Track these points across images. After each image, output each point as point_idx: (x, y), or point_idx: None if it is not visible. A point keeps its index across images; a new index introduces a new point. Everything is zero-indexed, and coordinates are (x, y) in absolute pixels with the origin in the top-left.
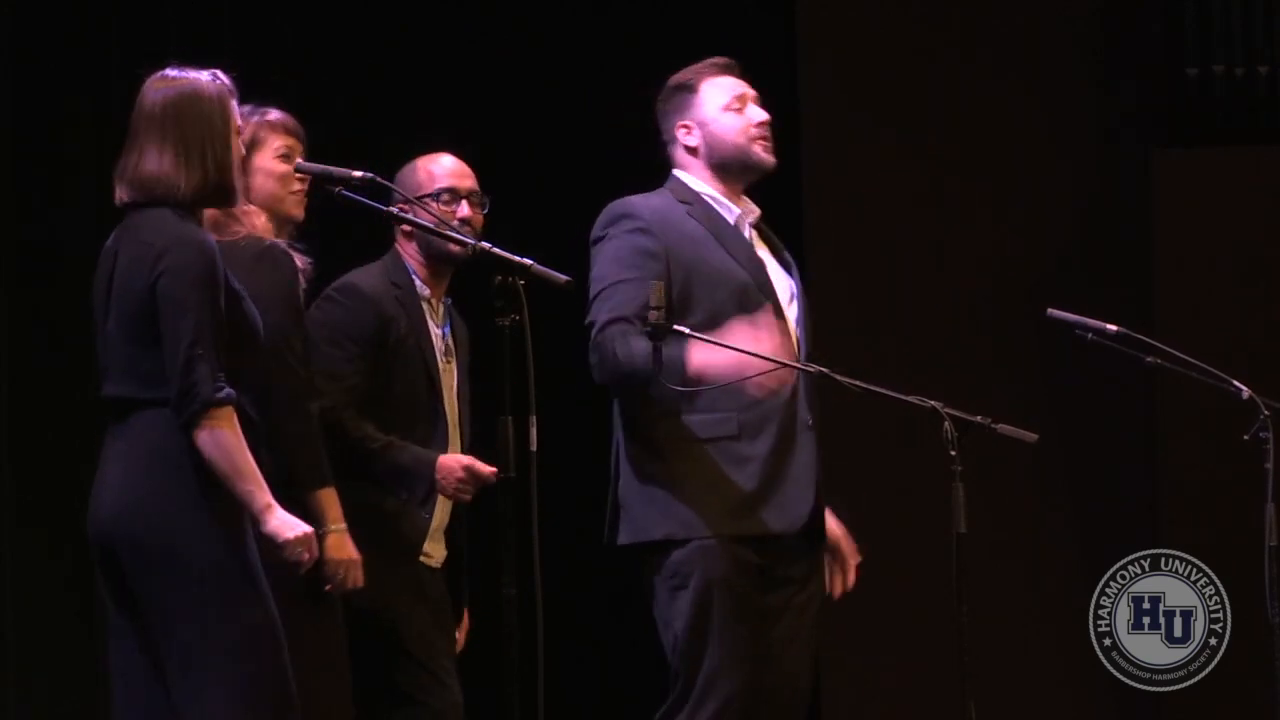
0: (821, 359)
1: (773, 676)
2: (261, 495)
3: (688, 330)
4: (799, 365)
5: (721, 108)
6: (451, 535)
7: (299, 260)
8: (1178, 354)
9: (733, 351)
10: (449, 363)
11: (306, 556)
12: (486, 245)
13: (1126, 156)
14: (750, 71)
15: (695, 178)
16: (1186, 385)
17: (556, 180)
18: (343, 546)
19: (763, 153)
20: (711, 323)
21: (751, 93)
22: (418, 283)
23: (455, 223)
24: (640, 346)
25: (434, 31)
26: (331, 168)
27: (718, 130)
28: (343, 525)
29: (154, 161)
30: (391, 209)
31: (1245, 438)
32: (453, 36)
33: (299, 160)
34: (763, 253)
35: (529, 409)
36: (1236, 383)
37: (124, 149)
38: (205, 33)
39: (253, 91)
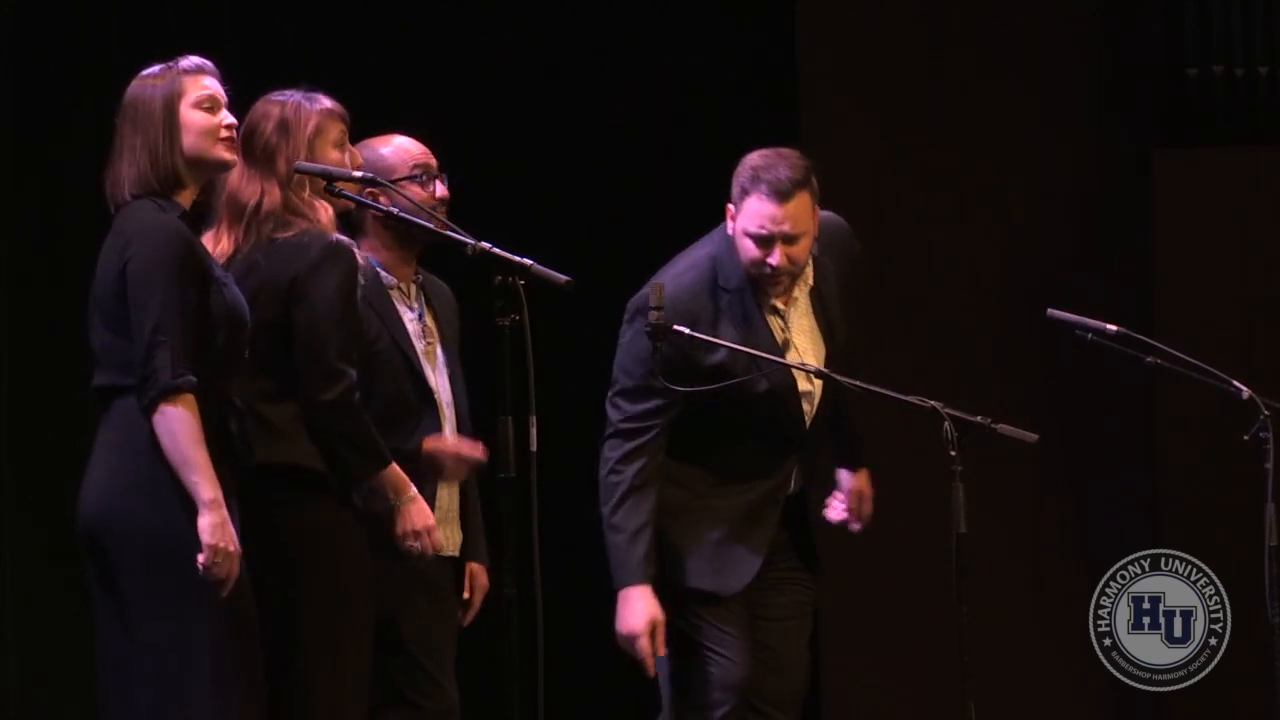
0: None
1: (770, 676)
2: (206, 489)
3: (688, 330)
4: (799, 365)
5: (745, 232)
6: (465, 519)
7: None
8: (1178, 354)
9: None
10: (430, 344)
11: (223, 573)
12: (487, 245)
13: (1126, 156)
14: (750, 71)
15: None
16: (1186, 385)
17: (557, 180)
18: (417, 515)
19: (766, 288)
20: (730, 423)
21: (782, 229)
22: (383, 274)
23: (435, 202)
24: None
25: (434, 31)
26: (330, 167)
27: (739, 246)
28: (413, 493)
29: (118, 159)
30: (391, 209)
31: (1245, 438)
32: (452, 36)
33: (299, 161)
34: (804, 321)
35: (529, 409)
36: (1236, 383)
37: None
38: (205, 33)
39: (252, 91)
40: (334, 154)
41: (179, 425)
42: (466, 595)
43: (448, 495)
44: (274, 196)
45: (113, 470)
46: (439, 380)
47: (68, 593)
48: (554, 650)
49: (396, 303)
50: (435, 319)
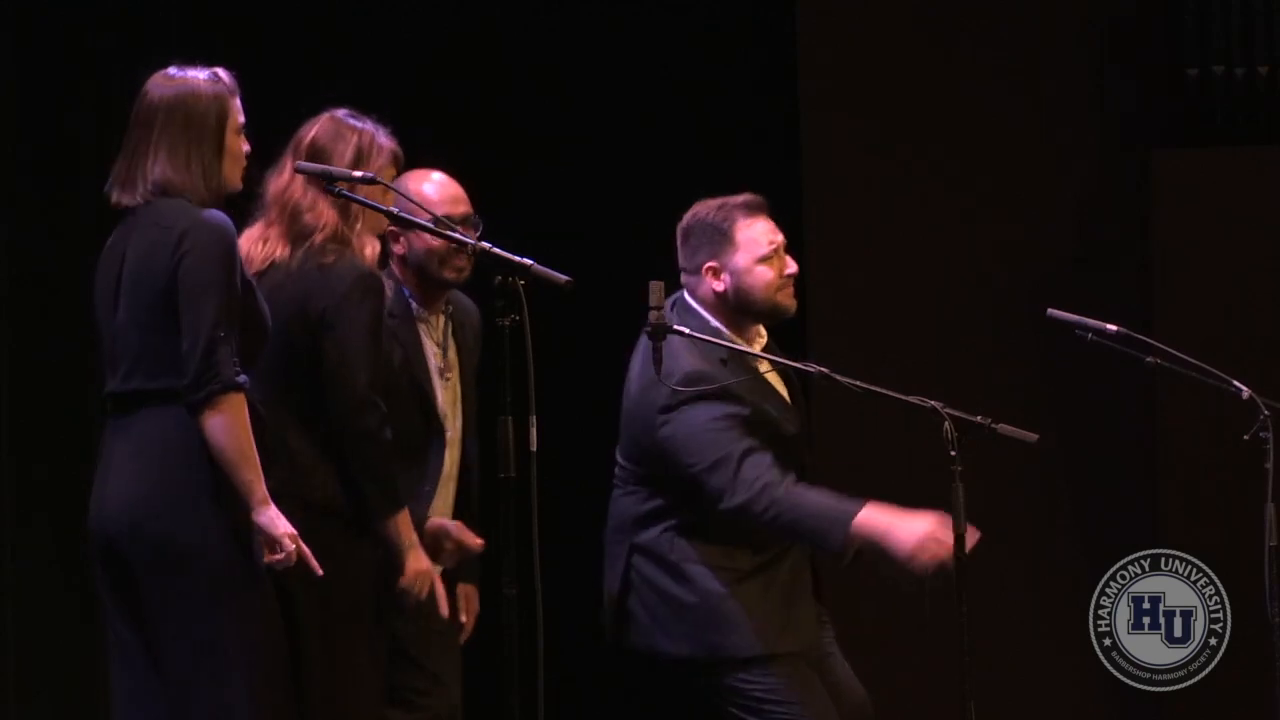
0: (822, 359)
1: (846, 698)
2: (260, 487)
3: (687, 330)
4: (799, 365)
5: (756, 259)
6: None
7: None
8: (1178, 354)
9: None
10: (447, 379)
11: (281, 557)
12: (486, 245)
13: (1126, 156)
14: (750, 70)
15: (713, 318)
16: (1186, 385)
17: (557, 180)
18: (418, 561)
19: (788, 302)
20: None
21: (781, 238)
22: (414, 306)
23: (447, 250)
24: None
25: (433, 31)
26: (331, 167)
27: (751, 282)
28: (416, 543)
29: (155, 163)
30: (391, 209)
31: (1245, 438)
32: (452, 36)
33: (300, 163)
34: (774, 380)
35: (529, 409)
36: (1236, 383)
37: (122, 150)
38: (205, 31)
39: (252, 91)
40: (386, 197)
41: (238, 421)
42: (463, 618)
43: (442, 503)
44: (331, 222)
45: (139, 478)
46: (452, 416)
47: (68, 593)
48: (554, 650)
49: (423, 336)
50: (458, 350)
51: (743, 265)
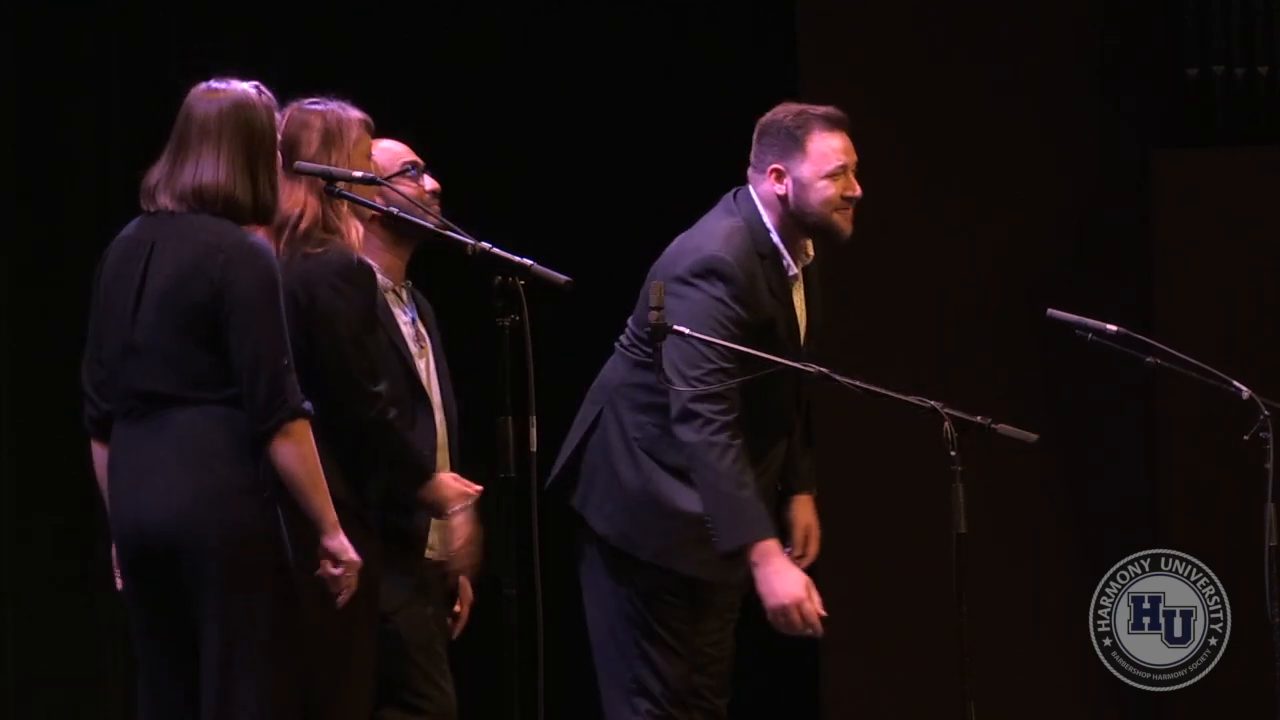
0: (822, 359)
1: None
2: (331, 513)
3: (687, 330)
4: (799, 365)
5: (823, 174)
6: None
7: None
8: (1178, 354)
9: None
10: (422, 348)
11: (351, 586)
12: (487, 245)
13: (1126, 156)
14: (750, 71)
15: (769, 219)
16: (1186, 385)
17: (557, 180)
18: (466, 525)
19: (844, 224)
20: (753, 384)
21: (853, 159)
22: (380, 276)
23: (428, 195)
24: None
25: (433, 31)
26: (330, 167)
27: (811, 195)
28: (459, 507)
29: (212, 173)
30: (391, 209)
31: (1245, 438)
32: (452, 36)
33: (299, 161)
34: (799, 307)
35: (529, 409)
36: (1236, 383)
37: (170, 157)
38: (205, 31)
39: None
40: (368, 165)
41: (307, 448)
42: (456, 608)
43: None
44: (314, 210)
45: (184, 482)
46: (430, 382)
47: (68, 593)
48: (554, 650)
49: (392, 305)
50: (425, 327)
51: (807, 176)
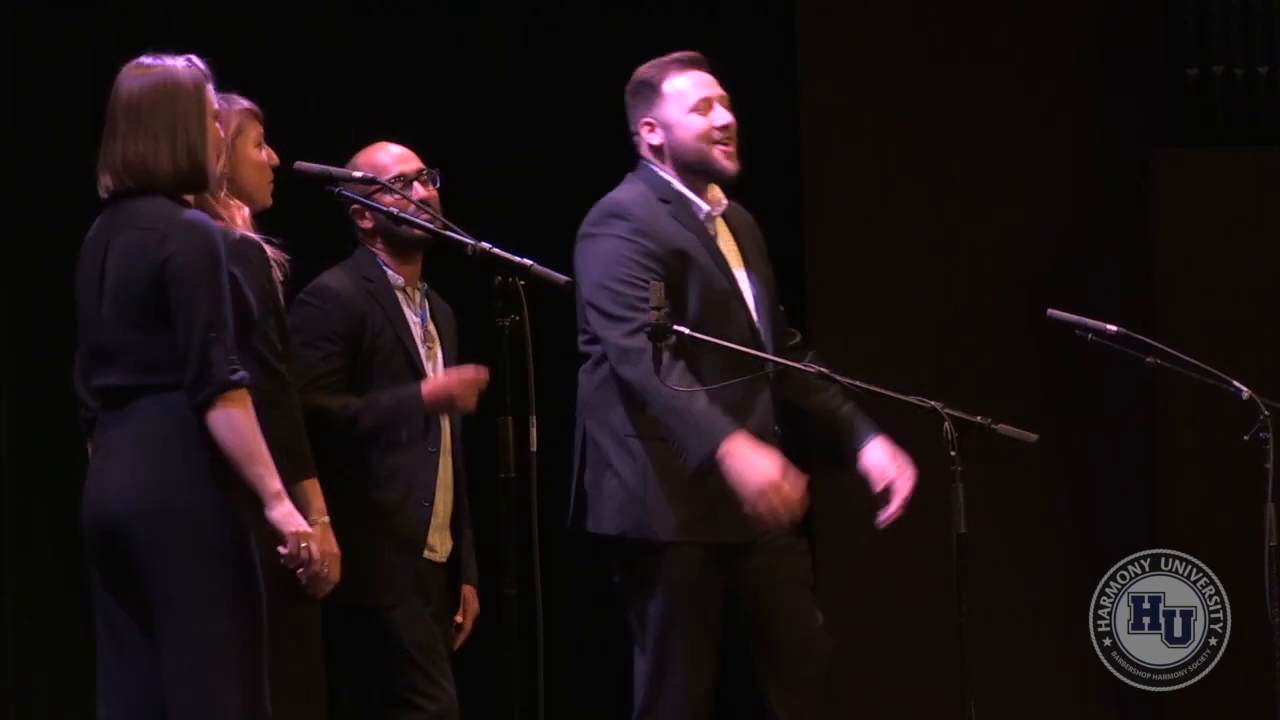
0: (822, 359)
1: (791, 643)
2: (272, 481)
3: (687, 330)
4: (800, 366)
5: (685, 110)
6: (456, 527)
7: (272, 252)
8: (1178, 354)
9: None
10: (430, 349)
11: (308, 554)
12: (487, 245)
13: (1127, 156)
14: (750, 71)
15: (665, 172)
16: (1186, 385)
17: (556, 180)
18: (325, 539)
19: (723, 159)
20: (695, 329)
21: (717, 92)
22: (390, 274)
23: (412, 207)
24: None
25: (433, 31)
26: (331, 168)
27: (680, 134)
28: (326, 519)
29: (133, 147)
30: (391, 209)
31: (1245, 438)
32: (452, 36)
33: (299, 162)
34: (726, 245)
35: (529, 409)
36: (1236, 383)
37: (103, 138)
38: (205, 31)
39: (251, 90)
40: (254, 152)
41: (242, 420)
42: (459, 619)
43: (443, 504)
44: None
45: (139, 466)
46: None
47: (68, 593)
48: (554, 650)
49: (402, 304)
50: (438, 329)
51: (673, 116)
